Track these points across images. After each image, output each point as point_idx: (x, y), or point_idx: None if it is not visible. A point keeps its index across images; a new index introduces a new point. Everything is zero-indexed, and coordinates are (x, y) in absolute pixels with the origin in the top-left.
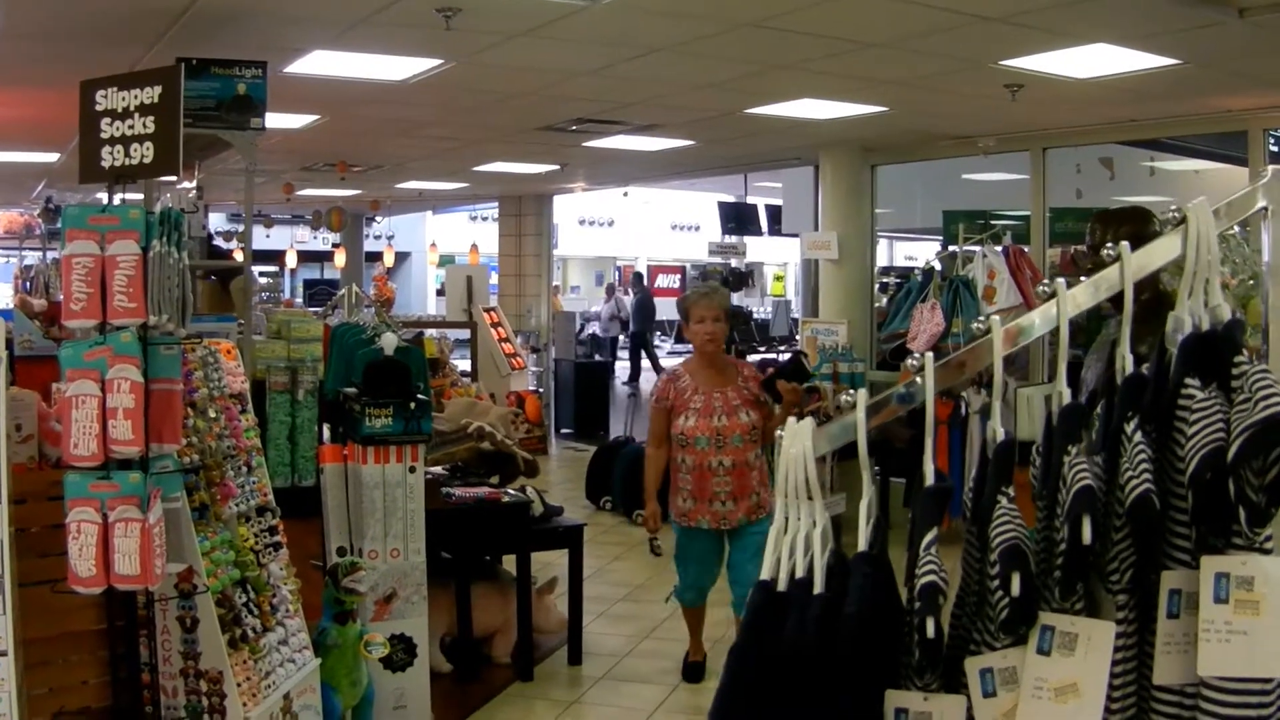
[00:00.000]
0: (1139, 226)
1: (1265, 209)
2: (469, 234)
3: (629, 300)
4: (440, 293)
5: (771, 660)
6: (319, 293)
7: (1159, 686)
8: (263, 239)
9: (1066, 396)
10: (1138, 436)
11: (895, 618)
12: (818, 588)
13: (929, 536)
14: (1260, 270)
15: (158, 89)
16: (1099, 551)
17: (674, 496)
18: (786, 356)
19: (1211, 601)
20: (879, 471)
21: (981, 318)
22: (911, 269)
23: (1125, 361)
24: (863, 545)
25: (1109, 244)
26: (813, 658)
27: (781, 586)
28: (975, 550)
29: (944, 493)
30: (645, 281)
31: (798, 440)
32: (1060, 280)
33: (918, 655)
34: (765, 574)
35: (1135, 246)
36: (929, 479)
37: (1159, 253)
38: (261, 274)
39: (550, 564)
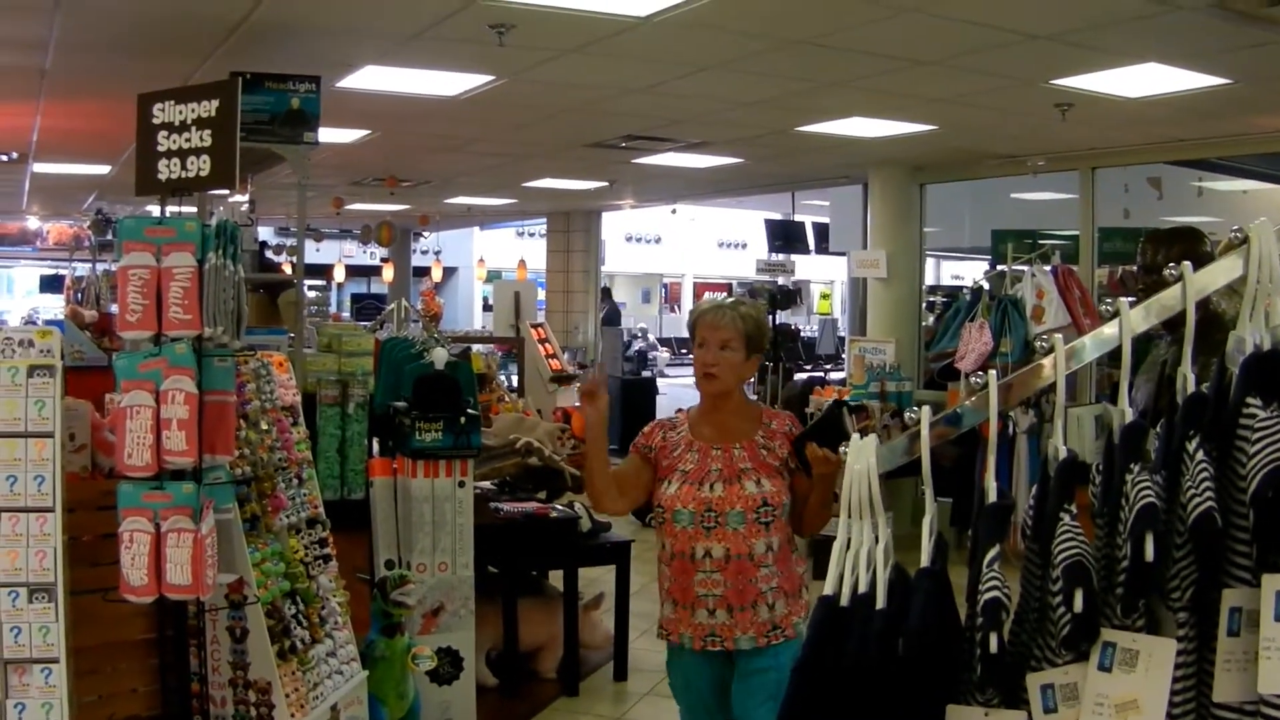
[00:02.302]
0: (1190, 246)
1: None
2: (516, 249)
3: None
4: (487, 308)
5: (834, 676)
6: (366, 307)
7: (1219, 704)
8: (312, 253)
9: (1129, 415)
10: (1199, 455)
11: (956, 634)
12: (880, 603)
13: (992, 553)
14: None
15: (215, 103)
16: (1161, 569)
17: (661, 599)
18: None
19: (1272, 619)
20: (924, 492)
21: (1044, 336)
22: (959, 288)
23: (1187, 381)
24: (925, 561)
25: (1171, 264)
26: (875, 673)
27: (844, 602)
28: (1036, 567)
29: (1006, 510)
30: (613, 297)
31: (862, 456)
32: (1124, 300)
33: (979, 671)
34: (828, 589)
35: (1193, 267)
36: (991, 495)
37: (1220, 273)
38: (310, 288)
39: (597, 580)
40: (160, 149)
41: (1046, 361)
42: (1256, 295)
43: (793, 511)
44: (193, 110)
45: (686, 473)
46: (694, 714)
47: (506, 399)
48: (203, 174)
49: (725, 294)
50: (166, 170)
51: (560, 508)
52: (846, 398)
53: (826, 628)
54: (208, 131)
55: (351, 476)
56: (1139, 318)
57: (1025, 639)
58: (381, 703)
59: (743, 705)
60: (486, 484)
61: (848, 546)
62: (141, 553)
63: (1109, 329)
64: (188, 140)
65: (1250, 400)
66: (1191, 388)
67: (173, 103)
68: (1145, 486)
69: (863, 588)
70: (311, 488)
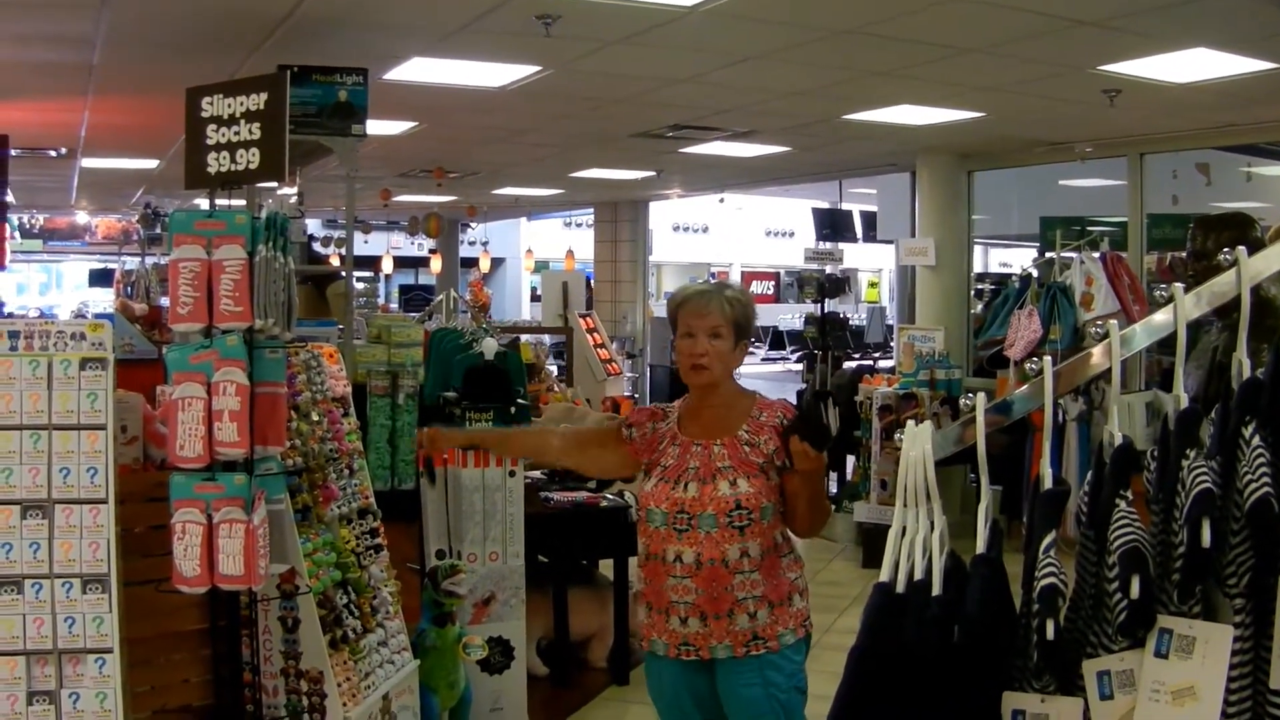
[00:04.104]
0: (1241, 232)
1: None
2: (564, 240)
3: None
4: (535, 298)
5: (891, 661)
6: (414, 298)
7: (1275, 690)
8: (360, 244)
9: (1184, 401)
10: (1255, 440)
11: (1011, 620)
12: (936, 590)
13: (1048, 539)
14: None
15: (263, 96)
16: (1217, 555)
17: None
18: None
19: None
20: (974, 479)
21: (1097, 323)
22: (1007, 275)
23: (1242, 366)
24: (981, 548)
25: (1225, 250)
26: (932, 659)
27: (900, 589)
28: (1091, 553)
29: (1062, 496)
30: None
31: (918, 443)
32: (1178, 286)
33: (1036, 657)
34: (884, 576)
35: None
36: (1047, 482)
37: (1276, 258)
38: (358, 279)
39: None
40: (209, 142)
41: (1098, 349)
42: None
43: (786, 511)
44: (241, 104)
45: (665, 469)
46: (663, 712)
47: (556, 388)
48: (252, 167)
49: (773, 283)
50: (216, 164)
51: (610, 497)
52: (895, 386)
53: (883, 614)
54: (256, 124)
55: (402, 467)
56: (1192, 304)
57: (1081, 626)
58: (433, 692)
59: None
60: (536, 473)
61: (903, 534)
62: (194, 544)
63: (1161, 315)
64: (236, 134)
65: None
66: (1247, 373)
67: (221, 96)
68: (1202, 473)
69: (918, 575)
70: (362, 478)
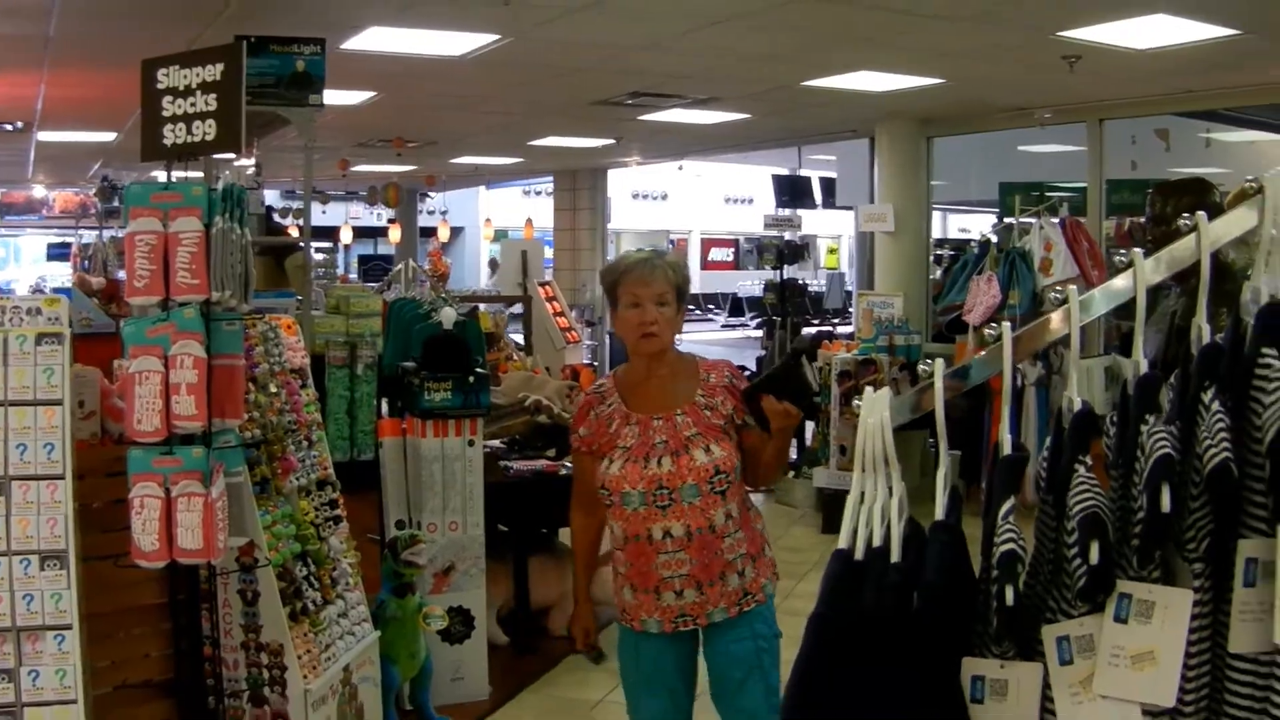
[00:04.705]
0: (1200, 197)
1: None
2: (523, 209)
3: None
4: (494, 266)
5: (850, 628)
6: (373, 268)
7: (1235, 654)
8: (318, 215)
9: (1144, 366)
10: (1215, 405)
11: (971, 586)
12: (895, 557)
13: (1007, 505)
14: None
15: (219, 66)
16: (1177, 520)
17: (615, 584)
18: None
19: None
20: (933, 444)
21: (1056, 288)
22: (967, 241)
23: (1202, 332)
24: (940, 514)
25: (1184, 215)
26: (892, 626)
27: (859, 556)
28: (1050, 519)
29: (1021, 462)
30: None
31: (875, 409)
32: (1137, 251)
33: (995, 623)
34: (843, 543)
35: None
36: (1006, 448)
37: (1235, 223)
38: (317, 250)
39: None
40: (165, 114)
41: (1057, 314)
42: (1272, 245)
43: (744, 468)
44: (197, 75)
45: (629, 449)
46: (657, 693)
47: (515, 357)
48: (208, 138)
49: (731, 250)
50: (172, 135)
51: (570, 465)
52: (854, 352)
53: (842, 581)
54: (213, 95)
55: (361, 438)
56: (1151, 269)
57: (1040, 591)
58: (393, 662)
59: (724, 678)
60: (496, 442)
61: (861, 500)
62: (152, 518)
63: (1121, 281)
64: (193, 105)
65: (1266, 350)
66: (1206, 338)
67: (177, 67)
68: (1161, 437)
69: (877, 541)
70: (321, 449)
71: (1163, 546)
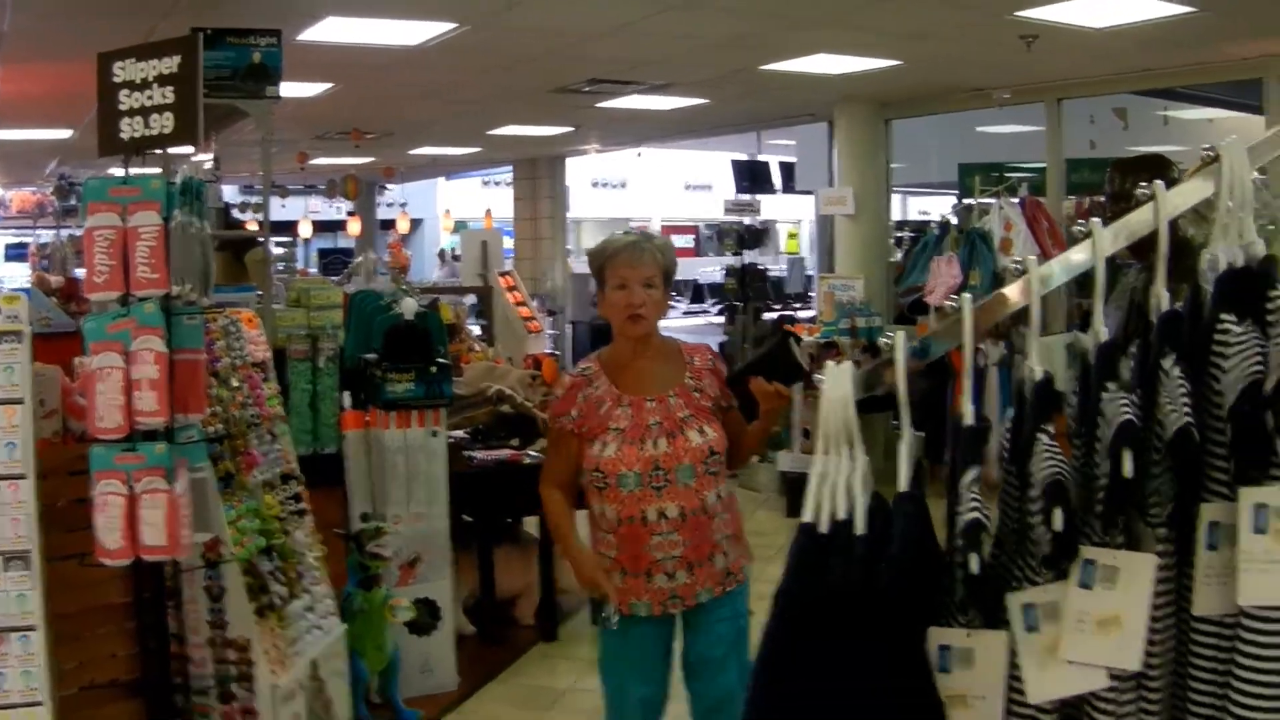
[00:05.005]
0: (1158, 173)
1: None
2: (483, 199)
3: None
4: (442, 258)
5: (817, 603)
6: (334, 262)
7: (1199, 618)
8: (277, 209)
9: (1103, 335)
10: (1176, 371)
11: (936, 557)
12: (859, 529)
13: (969, 475)
14: None
15: (176, 59)
16: (1140, 485)
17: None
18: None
19: (1250, 532)
20: (896, 425)
21: (1018, 259)
22: (927, 223)
23: (1160, 299)
24: (904, 485)
25: (1141, 184)
26: (858, 598)
27: (823, 529)
28: (1014, 489)
29: (983, 432)
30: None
31: (839, 384)
32: (1095, 220)
33: (960, 592)
34: (807, 517)
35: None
36: (968, 419)
37: (1192, 192)
38: (276, 244)
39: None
40: (122, 107)
41: (1015, 285)
42: (1229, 213)
43: (729, 452)
44: (154, 67)
45: (622, 430)
46: (645, 678)
47: (477, 348)
48: (166, 131)
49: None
50: (129, 129)
51: (534, 454)
52: (816, 335)
53: (808, 555)
54: (170, 88)
55: (324, 431)
56: (1109, 240)
57: (1005, 560)
58: (361, 656)
59: (705, 658)
60: (459, 433)
61: (825, 474)
62: (116, 515)
63: (1078, 254)
64: (149, 98)
65: (1224, 316)
66: (1165, 306)
67: (134, 60)
68: (1123, 404)
69: (841, 515)
70: (285, 443)
71: (1126, 512)
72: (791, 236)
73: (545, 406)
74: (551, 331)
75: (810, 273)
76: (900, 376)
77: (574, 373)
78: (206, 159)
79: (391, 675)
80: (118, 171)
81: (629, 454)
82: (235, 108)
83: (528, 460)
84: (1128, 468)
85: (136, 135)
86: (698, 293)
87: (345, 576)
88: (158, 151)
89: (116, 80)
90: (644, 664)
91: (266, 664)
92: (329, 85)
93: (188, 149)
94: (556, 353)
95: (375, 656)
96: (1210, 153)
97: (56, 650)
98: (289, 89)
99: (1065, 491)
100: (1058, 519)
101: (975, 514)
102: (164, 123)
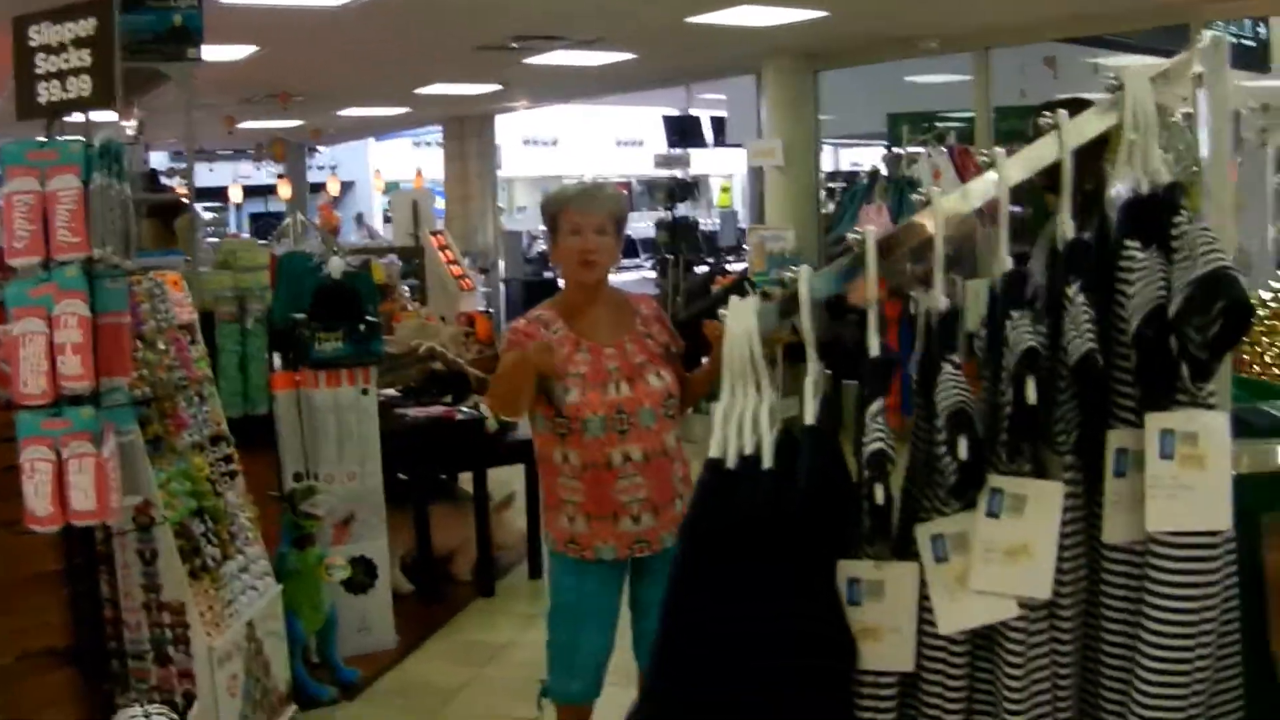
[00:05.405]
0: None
1: (1199, 75)
2: (413, 160)
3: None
4: (386, 220)
5: (723, 531)
6: (265, 226)
7: (1109, 545)
8: (206, 175)
9: (1008, 264)
10: (1080, 299)
11: (845, 490)
12: (766, 463)
13: (875, 406)
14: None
15: (91, 21)
16: (1045, 413)
17: (552, 516)
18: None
19: (1158, 458)
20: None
21: (922, 189)
22: (857, 173)
23: (1066, 228)
24: (809, 419)
25: (1045, 113)
26: (765, 523)
27: (730, 465)
28: (923, 420)
29: (889, 363)
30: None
31: (741, 318)
32: (999, 149)
33: (868, 523)
34: (714, 452)
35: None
36: (874, 350)
37: (1096, 120)
38: (206, 209)
39: (506, 480)
40: (39, 72)
41: (923, 214)
42: (1134, 141)
43: (681, 397)
44: (70, 30)
45: (582, 375)
46: (602, 626)
47: (409, 307)
48: (84, 94)
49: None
50: (47, 93)
51: (466, 410)
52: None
53: (714, 491)
54: (87, 51)
55: (254, 392)
56: (1015, 168)
57: (915, 493)
58: (297, 615)
59: (658, 598)
60: (391, 391)
61: (731, 409)
62: (44, 482)
63: (981, 182)
64: (66, 61)
65: (1129, 243)
66: (1071, 234)
67: (49, 23)
68: (1026, 331)
69: (749, 450)
70: (213, 405)
71: (1030, 439)
72: (724, 191)
73: (479, 364)
74: (485, 289)
75: (743, 226)
76: (805, 311)
77: (528, 318)
78: (130, 125)
79: (329, 635)
80: (40, 138)
81: (593, 398)
82: (157, 71)
83: (460, 416)
84: (1031, 394)
85: (54, 99)
86: (630, 247)
87: (278, 539)
88: (80, 119)
89: (33, 44)
90: (600, 614)
91: (202, 626)
92: (254, 49)
93: (109, 113)
94: (490, 310)
95: (312, 616)
96: (1115, 79)
97: None
98: (214, 52)
99: (969, 419)
100: (962, 448)
101: (880, 444)
102: (81, 86)
